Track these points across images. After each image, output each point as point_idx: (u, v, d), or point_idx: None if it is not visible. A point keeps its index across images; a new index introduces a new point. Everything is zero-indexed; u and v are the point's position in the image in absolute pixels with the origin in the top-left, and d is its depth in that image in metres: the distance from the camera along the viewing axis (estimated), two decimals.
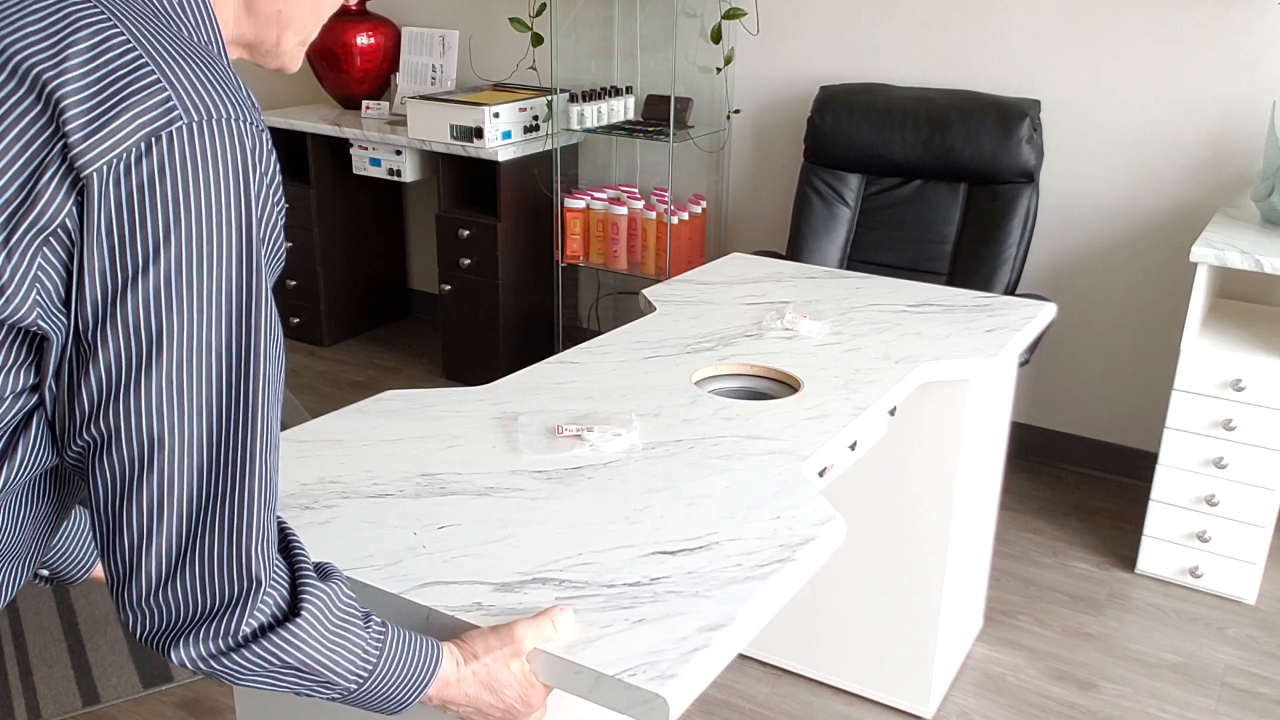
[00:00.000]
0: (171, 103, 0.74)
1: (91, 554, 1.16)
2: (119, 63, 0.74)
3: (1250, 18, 2.81)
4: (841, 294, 2.20)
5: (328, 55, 3.97)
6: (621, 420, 1.52)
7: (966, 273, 3.00)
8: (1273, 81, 2.82)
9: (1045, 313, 2.14)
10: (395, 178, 3.80)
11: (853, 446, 1.73)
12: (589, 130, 3.53)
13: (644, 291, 2.15)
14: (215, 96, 0.76)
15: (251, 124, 0.78)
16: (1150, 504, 2.68)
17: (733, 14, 3.41)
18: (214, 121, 0.75)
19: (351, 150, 3.87)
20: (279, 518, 0.90)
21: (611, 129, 3.55)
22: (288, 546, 0.89)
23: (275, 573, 0.84)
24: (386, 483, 1.34)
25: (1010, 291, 2.96)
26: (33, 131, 0.72)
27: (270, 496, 0.82)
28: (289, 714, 1.30)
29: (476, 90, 3.82)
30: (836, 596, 2.21)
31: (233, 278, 0.77)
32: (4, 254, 0.72)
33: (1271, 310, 2.88)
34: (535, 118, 3.66)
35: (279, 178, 0.83)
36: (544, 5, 3.79)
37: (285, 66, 0.95)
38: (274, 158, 0.81)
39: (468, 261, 3.66)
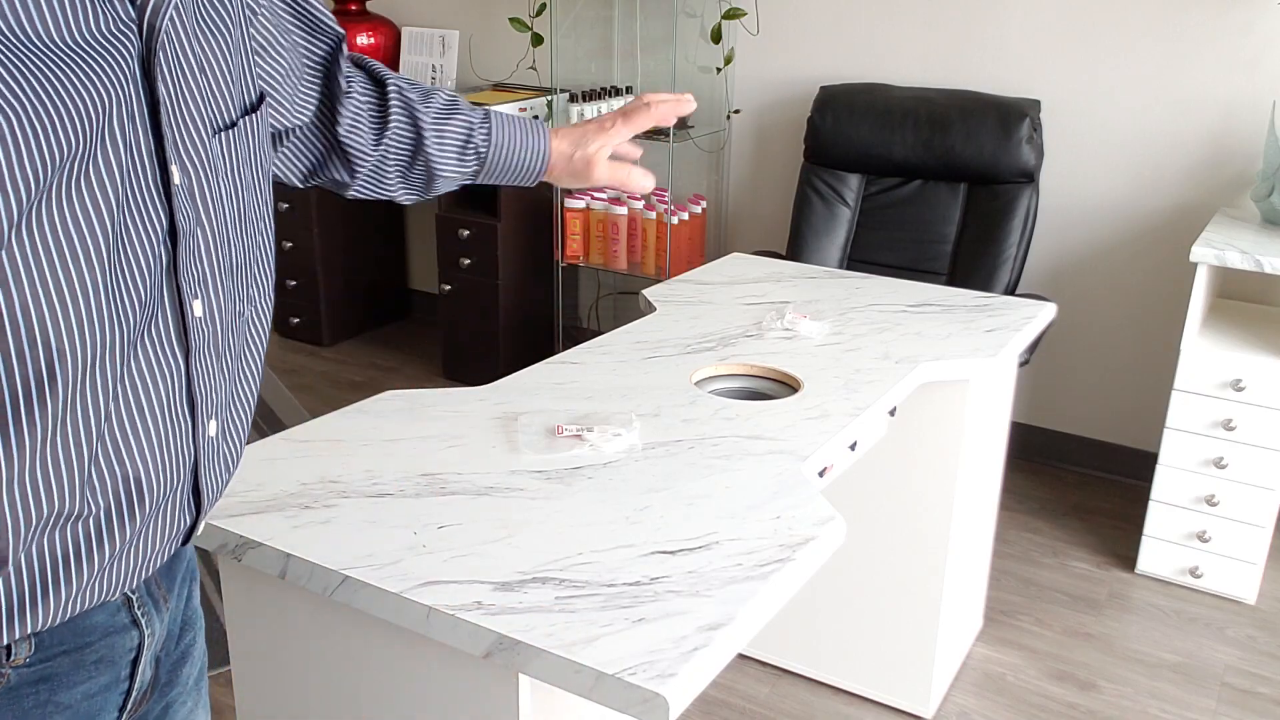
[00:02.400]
0: None
1: None
2: None
3: (1250, 18, 2.81)
4: (841, 294, 2.20)
5: None
6: (621, 420, 1.52)
7: (966, 273, 3.00)
8: (1273, 81, 2.82)
9: (1045, 313, 2.14)
10: None
11: (853, 446, 1.73)
12: None
13: (644, 291, 2.15)
14: None
15: None
16: (1150, 504, 2.68)
17: (733, 14, 3.41)
18: None
19: None
20: None
21: None
22: None
23: None
24: (386, 483, 1.34)
25: (1010, 291, 2.96)
26: None
27: None
28: (290, 712, 1.30)
29: (476, 90, 3.82)
30: (836, 596, 2.21)
31: None
32: None
33: (1271, 310, 2.88)
34: (535, 118, 3.66)
35: None
36: (544, 5, 3.79)
37: None
38: None
39: (468, 261, 3.67)
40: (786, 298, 2.16)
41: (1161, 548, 2.70)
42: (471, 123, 1.18)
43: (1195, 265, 2.82)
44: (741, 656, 2.39)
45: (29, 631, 0.74)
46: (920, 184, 3.12)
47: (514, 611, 1.08)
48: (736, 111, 3.60)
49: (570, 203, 3.61)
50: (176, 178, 0.75)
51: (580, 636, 1.04)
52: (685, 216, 3.52)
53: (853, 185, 3.20)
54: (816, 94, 3.27)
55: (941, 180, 3.10)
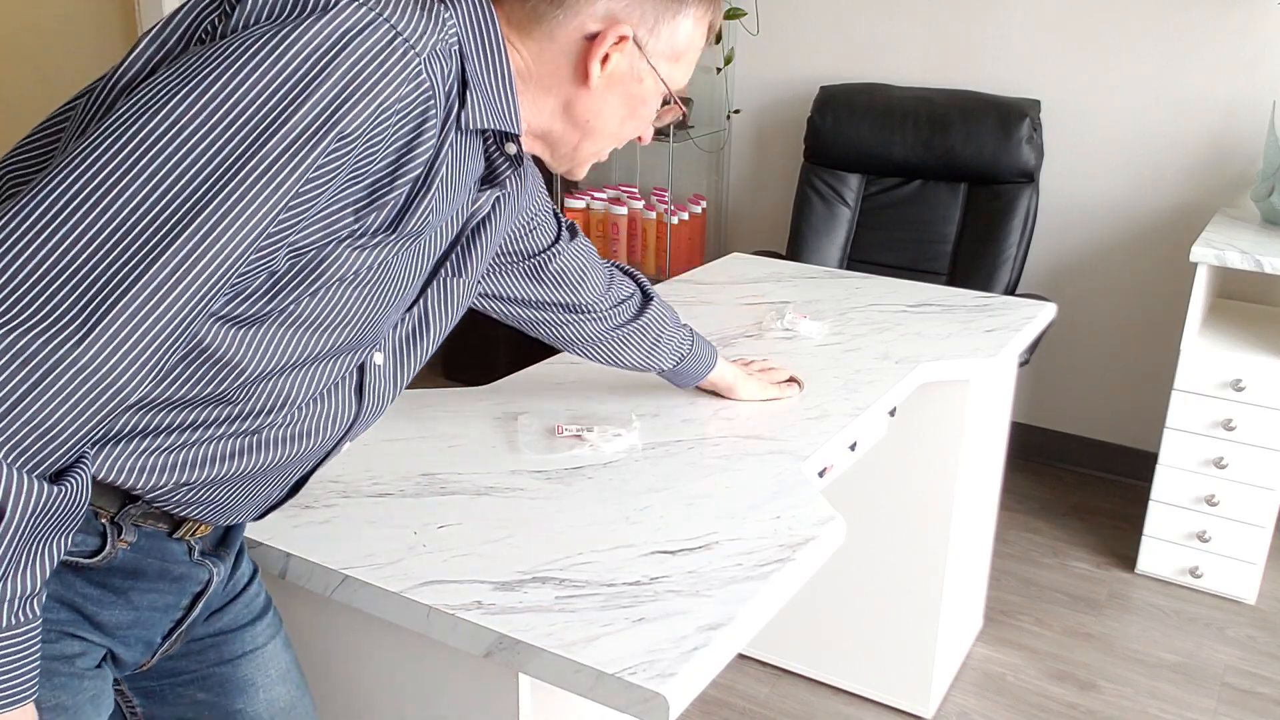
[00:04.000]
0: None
1: None
2: None
3: (1250, 18, 2.81)
4: (841, 294, 2.20)
5: None
6: (621, 420, 1.52)
7: (966, 273, 3.00)
8: (1273, 81, 2.82)
9: (1045, 313, 2.14)
10: None
11: (853, 446, 1.73)
12: None
13: None
14: (410, 16, 0.84)
15: (407, 50, 0.83)
16: (1150, 504, 2.68)
17: (733, 14, 3.41)
18: (377, 21, 0.81)
19: None
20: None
21: None
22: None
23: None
24: (386, 482, 1.34)
25: (1010, 291, 2.96)
26: None
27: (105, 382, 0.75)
28: None
29: None
30: (836, 596, 2.21)
31: (232, 138, 0.77)
32: None
33: (1271, 310, 2.88)
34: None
35: (409, 123, 0.85)
36: None
37: (574, 172, 1.09)
38: (407, 93, 0.84)
39: None
40: (786, 298, 2.16)
41: (1161, 548, 2.70)
42: (685, 338, 1.56)
43: (1195, 265, 2.82)
44: (741, 656, 2.39)
45: (147, 485, 0.89)
46: (920, 184, 3.12)
47: (514, 611, 1.08)
48: (736, 111, 3.60)
49: (570, 203, 3.61)
50: (435, 283, 1.07)
51: (580, 636, 1.04)
52: (685, 216, 3.52)
53: (853, 185, 3.20)
54: (816, 94, 3.27)
55: (941, 180, 3.10)
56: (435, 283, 1.07)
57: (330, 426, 1.01)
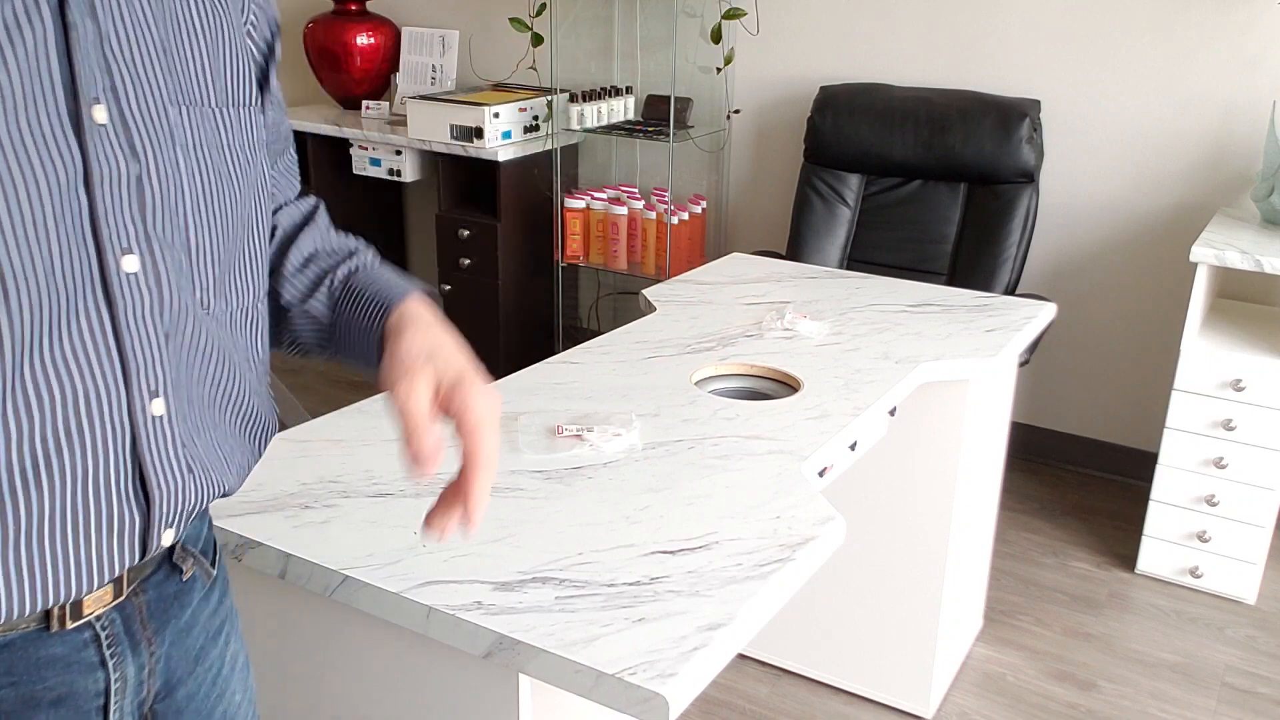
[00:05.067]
0: None
1: None
2: None
3: (1250, 18, 2.81)
4: (841, 294, 2.20)
5: (328, 55, 3.97)
6: (621, 420, 1.52)
7: (966, 273, 3.00)
8: (1273, 81, 2.82)
9: (1045, 313, 2.14)
10: (395, 178, 3.80)
11: (853, 446, 1.73)
12: (589, 130, 3.53)
13: (644, 291, 2.15)
14: None
15: None
16: (1150, 504, 2.68)
17: (733, 14, 3.41)
18: None
19: (351, 150, 3.86)
20: None
21: (611, 129, 3.55)
22: None
23: None
24: (386, 482, 1.34)
25: (1010, 291, 2.96)
26: None
27: None
28: (289, 712, 1.30)
29: (476, 90, 3.82)
30: (836, 596, 2.21)
31: None
32: None
33: (1271, 310, 2.88)
34: (535, 118, 3.66)
35: None
36: (544, 5, 3.79)
37: None
38: None
39: (468, 261, 3.67)
40: (786, 298, 2.16)
41: (1161, 548, 2.70)
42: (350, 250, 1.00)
43: (1195, 265, 2.82)
44: (741, 656, 2.39)
45: None
46: (920, 184, 3.12)
47: (514, 611, 1.08)
48: (736, 111, 3.60)
49: (570, 203, 3.61)
50: (100, 116, 0.67)
51: (580, 636, 1.04)
52: (685, 216, 3.52)
53: (853, 185, 3.20)
54: (816, 94, 3.27)
55: (941, 180, 3.10)
56: (91, 131, 0.67)
57: (83, 407, 0.68)
